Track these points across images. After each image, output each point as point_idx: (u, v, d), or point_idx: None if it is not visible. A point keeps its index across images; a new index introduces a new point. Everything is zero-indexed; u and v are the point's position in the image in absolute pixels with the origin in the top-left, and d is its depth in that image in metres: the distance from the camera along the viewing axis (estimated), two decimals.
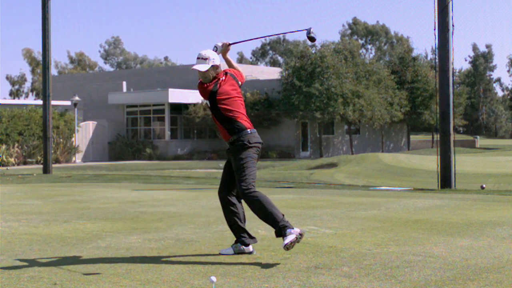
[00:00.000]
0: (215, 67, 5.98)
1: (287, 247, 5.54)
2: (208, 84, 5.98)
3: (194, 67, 5.96)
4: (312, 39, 6.13)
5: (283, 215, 5.73)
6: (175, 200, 11.42)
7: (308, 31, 6.11)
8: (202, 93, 6.05)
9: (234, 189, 6.08)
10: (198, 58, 6.00)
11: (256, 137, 5.97)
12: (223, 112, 5.93)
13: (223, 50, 6.27)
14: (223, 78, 6.03)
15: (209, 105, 6.02)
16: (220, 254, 6.04)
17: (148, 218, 8.77)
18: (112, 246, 6.51)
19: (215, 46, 6.24)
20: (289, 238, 5.53)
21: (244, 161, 5.84)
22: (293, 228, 5.61)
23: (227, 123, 5.93)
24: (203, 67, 5.94)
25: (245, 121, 5.97)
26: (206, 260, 5.77)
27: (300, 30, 6.27)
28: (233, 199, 6.06)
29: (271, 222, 5.69)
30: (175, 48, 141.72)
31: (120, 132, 44.05)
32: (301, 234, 5.59)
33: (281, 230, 5.62)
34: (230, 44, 6.29)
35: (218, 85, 5.96)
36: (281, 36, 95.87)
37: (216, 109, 5.96)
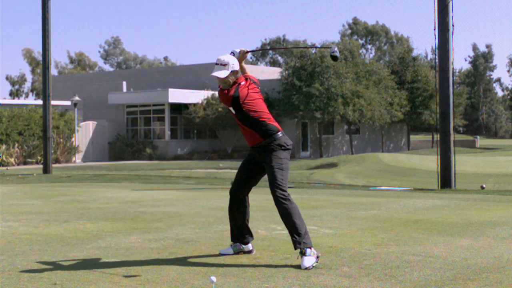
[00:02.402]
0: (234, 72, 5.81)
1: (308, 269, 5.36)
2: (228, 90, 5.81)
3: (213, 74, 5.79)
4: (335, 58, 6.04)
5: (306, 229, 5.63)
6: (175, 200, 11.41)
7: (332, 50, 6.01)
8: (223, 100, 5.85)
9: (249, 190, 6.03)
10: (216, 64, 5.82)
11: (288, 139, 5.87)
12: (252, 115, 5.75)
13: (240, 56, 6.10)
14: (244, 82, 5.87)
15: (233, 111, 5.82)
16: (220, 254, 6.04)
17: (148, 218, 8.77)
18: (112, 246, 6.51)
19: (232, 52, 6.10)
20: (310, 261, 5.39)
21: (283, 161, 5.72)
22: (311, 248, 5.50)
23: (257, 126, 5.76)
24: (222, 74, 5.76)
25: (275, 123, 5.85)
26: (206, 260, 5.77)
27: (324, 47, 6.29)
28: (247, 200, 6.03)
29: (293, 231, 5.58)
30: (175, 48, 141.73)
31: (120, 132, 44.04)
32: (318, 257, 5.50)
33: (301, 247, 5.49)
34: (247, 52, 6.13)
35: (240, 90, 5.78)
36: (281, 36, 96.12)
37: (242, 114, 5.77)
